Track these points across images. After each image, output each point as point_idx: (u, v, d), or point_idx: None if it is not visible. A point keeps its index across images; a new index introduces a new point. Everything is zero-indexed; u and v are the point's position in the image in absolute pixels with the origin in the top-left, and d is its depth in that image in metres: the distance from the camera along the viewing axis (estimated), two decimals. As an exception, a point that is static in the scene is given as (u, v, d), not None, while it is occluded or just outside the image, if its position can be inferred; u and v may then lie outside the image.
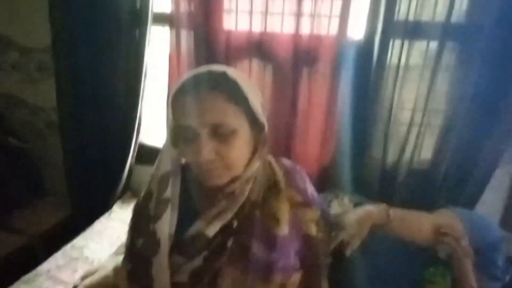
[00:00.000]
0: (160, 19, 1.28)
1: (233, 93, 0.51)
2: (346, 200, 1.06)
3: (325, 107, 1.23)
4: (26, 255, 1.21)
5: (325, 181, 1.27)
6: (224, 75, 0.52)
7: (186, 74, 0.53)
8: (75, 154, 1.38)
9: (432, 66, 1.11)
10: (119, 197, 1.39)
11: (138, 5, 1.22)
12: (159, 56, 1.36)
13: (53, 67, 1.31)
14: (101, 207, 1.35)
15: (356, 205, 1.03)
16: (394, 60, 1.13)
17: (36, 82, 1.51)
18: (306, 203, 0.60)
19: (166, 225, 0.53)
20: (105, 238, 1.14)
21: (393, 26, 1.10)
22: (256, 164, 0.58)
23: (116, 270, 0.69)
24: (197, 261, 0.53)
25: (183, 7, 1.20)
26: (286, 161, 0.67)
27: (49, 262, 0.99)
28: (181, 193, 0.58)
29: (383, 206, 0.81)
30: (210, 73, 0.52)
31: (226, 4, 1.19)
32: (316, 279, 0.59)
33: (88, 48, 1.24)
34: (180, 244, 0.54)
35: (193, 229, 0.54)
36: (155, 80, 1.39)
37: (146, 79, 1.30)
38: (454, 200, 1.18)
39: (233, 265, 0.53)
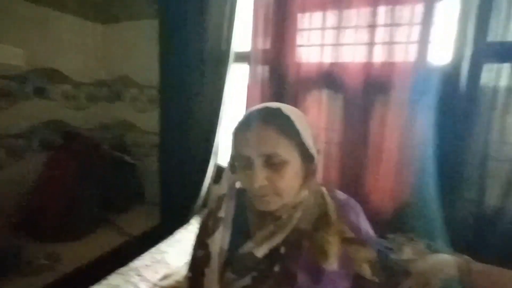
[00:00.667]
0: (241, 57, 1.45)
1: (285, 127, 0.57)
2: (421, 246, 0.94)
3: (400, 138, 1.13)
4: (124, 251, 1.47)
5: (399, 221, 1.14)
6: (278, 110, 0.59)
7: (247, 110, 0.62)
8: (167, 172, 1.64)
9: None
10: (197, 212, 1.56)
11: (223, 47, 1.42)
12: (238, 89, 1.53)
13: (159, 100, 1.63)
14: (183, 220, 1.54)
15: (434, 252, 0.89)
16: (490, 84, 0.98)
17: (147, 111, 1.89)
18: (359, 241, 0.58)
19: (217, 241, 0.60)
20: (183, 247, 1.29)
21: (484, 49, 0.96)
22: (304, 193, 0.61)
23: (185, 277, 0.79)
24: (247, 280, 0.57)
25: (260, 45, 1.34)
26: (340, 194, 0.66)
27: (139, 261, 1.18)
28: (236, 214, 0.64)
29: (464, 257, 0.69)
30: (266, 109, 0.59)
31: (298, 40, 1.26)
32: None
33: (184, 84, 1.50)
34: (233, 261, 0.59)
35: (244, 249, 0.59)
36: (234, 110, 1.55)
37: (225, 109, 1.47)
38: None
39: None
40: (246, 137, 0.56)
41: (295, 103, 1.28)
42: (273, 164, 0.55)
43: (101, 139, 1.96)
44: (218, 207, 0.63)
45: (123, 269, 1.11)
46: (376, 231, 0.78)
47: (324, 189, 0.66)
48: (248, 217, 0.65)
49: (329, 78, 1.22)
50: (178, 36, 1.45)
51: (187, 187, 1.59)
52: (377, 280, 0.57)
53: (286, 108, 0.60)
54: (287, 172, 0.56)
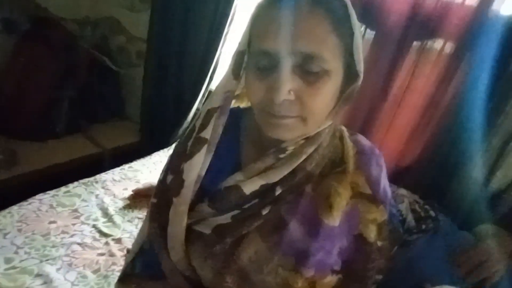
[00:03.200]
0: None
1: (340, 20, 0.38)
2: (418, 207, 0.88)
3: (427, 96, 0.99)
4: (94, 162, 1.35)
5: (400, 181, 1.06)
6: None
7: None
8: (152, 86, 1.45)
9: None
10: (181, 136, 1.43)
11: None
12: (250, 5, 1.27)
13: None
14: (164, 141, 1.41)
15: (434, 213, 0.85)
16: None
17: (137, 10, 1.59)
18: (374, 198, 0.46)
19: (195, 167, 0.45)
20: (158, 169, 1.18)
21: None
22: (328, 123, 0.45)
23: (150, 202, 0.67)
24: (225, 218, 0.45)
25: None
26: (363, 139, 0.52)
27: (107, 174, 1.07)
28: (228, 140, 0.49)
29: None
30: None
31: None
32: None
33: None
34: (213, 193, 0.46)
35: (230, 181, 0.45)
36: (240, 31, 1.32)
37: (231, 24, 1.24)
38: None
39: (262, 236, 0.44)
40: (276, 23, 0.37)
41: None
42: (308, 72, 0.37)
43: (82, 36, 1.68)
44: (204, 125, 0.46)
45: (88, 180, 1.00)
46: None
47: (344, 128, 0.52)
48: (241, 145, 0.50)
49: (366, 7, 0.99)
50: None
51: (174, 107, 1.42)
52: (379, 244, 0.47)
53: None
54: (325, 87, 0.38)
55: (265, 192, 0.44)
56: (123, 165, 1.16)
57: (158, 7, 1.32)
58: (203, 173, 0.46)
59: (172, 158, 0.51)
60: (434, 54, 0.95)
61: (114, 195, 0.97)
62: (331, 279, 0.45)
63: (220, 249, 0.45)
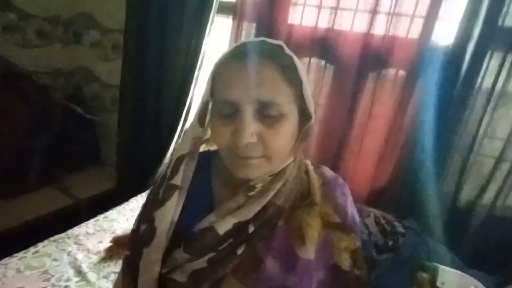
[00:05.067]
0: (226, 9, 1.26)
1: (288, 70, 0.42)
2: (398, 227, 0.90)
3: (389, 120, 1.05)
4: (68, 216, 1.30)
5: (375, 205, 1.08)
6: (280, 48, 0.44)
7: (236, 43, 0.46)
8: (128, 131, 1.45)
9: None
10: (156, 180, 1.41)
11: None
12: (219, 46, 1.34)
13: (124, 46, 1.39)
14: (140, 186, 1.38)
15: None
16: (490, 76, 0.91)
17: (109, 60, 1.63)
18: (343, 226, 0.48)
19: (168, 214, 0.46)
20: (135, 216, 1.14)
21: (495, 33, 0.87)
22: (290, 159, 0.48)
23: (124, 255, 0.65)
24: (201, 262, 0.45)
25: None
26: (327, 170, 0.55)
27: (80, 228, 1.02)
28: (199, 183, 0.50)
29: None
30: (265, 43, 0.44)
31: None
32: None
33: (155, 31, 1.29)
34: (187, 238, 0.46)
35: (203, 223, 0.46)
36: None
37: (201, 68, 1.29)
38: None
39: (240, 277, 0.44)
40: (235, 76, 0.41)
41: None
42: (267, 116, 0.41)
43: (55, 87, 1.69)
44: (174, 172, 0.48)
45: (59, 236, 0.95)
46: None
47: (308, 162, 0.54)
48: (213, 187, 0.52)
49: (323, 45, 1.08)
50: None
51: (149, 150, 1.42)
52: (357, 273, 0.48)
53: (287, 47, 0.45)
54: (283, 129, 0.42)
55: (239, 230, 0.45)
56: (98, 215, 1.12)
57: (132, 55, 1.37)
58: (176, 219, 0.47)
59: (145, 206, 0.52)
60: (389, 82, 1.03)
61: (88, 250, 0.93)
62: None
63: None
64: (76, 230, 1.00)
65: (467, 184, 1.02)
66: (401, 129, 1.04)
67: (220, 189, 0.51)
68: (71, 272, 0.85)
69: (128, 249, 0.50)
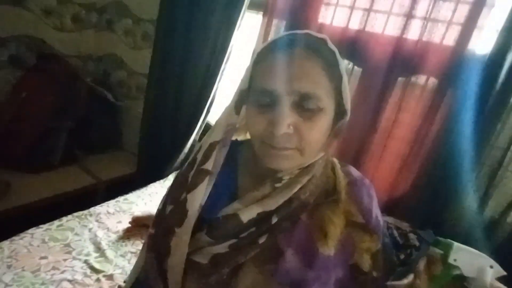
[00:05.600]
0: (257, 5, 1.26)
1: (331, 65, 0.43)
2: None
3: (415, 128, 1.03)
4: (90, 194, 1.34)
5: (392, 213, 1.06)
6: (324, 41, 0.45)
7: (279, 34, 0.46)
8: (150, 119, 1.48)
9: None
10: (177, 169, 1.44)
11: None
12: (247, 41, 1.35)
13: (154, 37, 1.43)
14: (159, 173, 1.41)
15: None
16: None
17: (139, 48, 1.68)
18: (367, 227, 0.48)
19: (198, 198, 0.47)
20: (154, 201, 1.18)
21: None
22: (321, 155, 0.49)
23: (148, 234, 0.67)
24: (222, 247, 0.46)
25: (281, -6, 1.16)
26: (353, 170, 0.55)
27: (101, 207, 1.06)
28: (228, 170, 0.51)
29: None
30: (309, 36, 0.45)
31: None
32: None
33: (185, 23, 1.31)
34: (211, 223, 0.47)
35: (228, 209, 0.47)
36: (237, 66, 1.39)
37: (227, 62, 1.30)
38: None
39: (259, 266, 0.44)
40: (276, 65, 0.42)
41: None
42: (305, 109, 0.41)
43: (84, 71, 1.75)
44: (207, 157, 0.49)
45: (82, 213, 0.99)
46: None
47: (335, 160, 0.54)
48: (238, 176, 0.53)
49: (352, 47, 1.07)
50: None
51: (170, 139, 1.45)
52: (375, 274, 0.47)
53: (330, 42, 0.45)
54: (320, 123, 0.42)
55: (262, 220, 0.45)
56: (118, 197, 1.16)
57: (159, 46, 1.40)
58: (203, 203, 0.48)
59: (172, 189, 0.53)
60: (418, 89, 1.00)
61: (108, 229, 0.96)
62: None
63: (216, 280, 0.45)
64: (97, 208, 1.04)
65: (493, 200, 0.98)
66: (427, 138, 1.01)
67: (246, 179, 0.52)
68: (91, 248, 0.89)
69: (153, 227, 0.52)
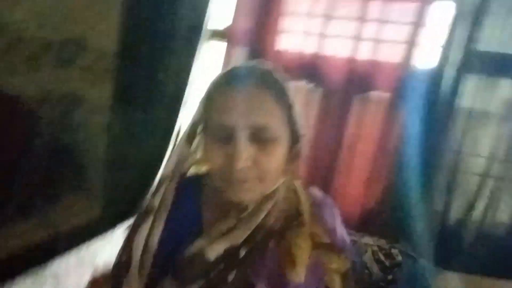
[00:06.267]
0: (220, 35, 1.30)
1: (280, 95, 0.45)
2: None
3: (377, 142, 1.08)
4: (48, 248, 1.22)
5: (366, 228, 1.08)
6: (272, 73, 0.47)
7: (229, 67, 0.49)
8: (115, 155, 1.42)
9: None
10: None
11: (197, 21, 1.25)
12: (212, 69, 1.37)
13: (114, 71, 1.40)
14: (128, 214, 1.33)
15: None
16: (469, 98, 0.96)
17: (99, 83, 1.63)
18: (333, 247, 0.48)
19: (141, 240, 0.45)
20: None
21: (472, 58, 0.93)
22: (282, 180, 0.49)
23: None
24: None
25: (241, 24, 1.21)
26: (316, 191, 0.55)
27: (60, 262, 0.97)
28: (188, 207, 0.50)
29: None
30: (256, 68, 0.47)
31: (282, 24, 1.16)
32: None
33: (146, 55, 1.31)
34: (176, 264, 0.45)
35: (193, 248, 0.45)
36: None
37: (192, 91, 1.31)
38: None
39: None
40: (230, 101, 0.43)
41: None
42: (261, 140, 0.43)
43: (41, 113, 1.66)
44: (155, 193, 0.49)
45: (36, 271, 0.89)
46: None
47: (297, 183, 0.55)
48: (203, 211, 0.51)
49: (310, 70, 1.12)
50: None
51: (137, 174, 1.39)
52: None
53: (277, 71, 0.48)
54: (276, 152, 0.44)
55: (230, 255, 0.44)
56: (80, 246, 1.06)
57: (121, 79, 1.38)
58: (155, 244, 0.45)
59: (127, 236, 0.50)
60: (375, 104, 1.07)
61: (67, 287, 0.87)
62: None
63: None
64: (55, 264, 0.94)
65: (456, 202, 1.03)
66: (388, 150, 1.07)
67: (210, 213, 0.50)
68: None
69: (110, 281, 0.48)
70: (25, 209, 1.34)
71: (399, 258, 0.90)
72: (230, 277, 0.43)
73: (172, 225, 0.47)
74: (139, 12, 1.28)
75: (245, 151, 0.41)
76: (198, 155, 0.52)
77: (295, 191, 0.52)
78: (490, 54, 0.92)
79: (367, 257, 0.88)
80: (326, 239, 0.48)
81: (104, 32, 1.53)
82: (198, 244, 0.45)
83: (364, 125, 1.09)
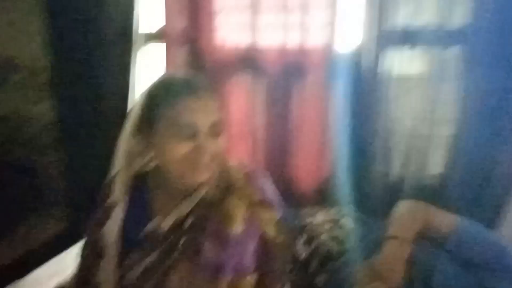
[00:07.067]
0: (157, 37, 1.30)
1: (210, 90, 0.58)
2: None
3: (319, 120, 1.17)
4: (18, 267, 1.20)
5: (324, 197, 1.20)
6: (203, 80, 0.60)
7: (165, 76, 0.62)
8: (72, 170, 1.41)
9: (434, 74, 1.04)
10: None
11: (124, 26, 1.24)
12: (155, 71, 1.37)
13: (52, 87, 1.36)
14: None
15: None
16: (390, 69, 1.07)
17: (40, 101, 1.56)
18: (265, 203, 0.60)
19: (114, 228, 0.56)
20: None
21: (387, 34, 1.04)
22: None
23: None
24: (153, 257, 0.54)
25: (175, 24, 1.21)
26: (249, 165, 0.68)
27: (33, 275, 0.99)
28: (142, 196, 0.60)
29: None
30: (193, 77, 0.60)
31: (215, 20, 1.18)
32: (272, 283, 0.58)
33: (82, 68, 1.29)
34: (140, 239, 0.56)
35: (151, 225, 0.57)
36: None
37: (137, 94, 1.31)
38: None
39: (183, 264, 0.54)
40: (192, 104, 0.54)
41: (217, 87, 1.20)
42: (215, 132, 0.55)
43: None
44: (112, 189, 0.60)
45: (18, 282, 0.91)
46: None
47: (229, 161, 0.66)
48: (153, 201, 0.61)
49: (248, 62, 1.18)
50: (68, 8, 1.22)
51: (96, 185, 1.39)
52: (281, 239, 0.59)
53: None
54: (221, 139, 0.56)
55: (179, 225, 0.55)
56: (46, 263, 1.07)
57: (61, 94, 1.34)
58: (120, 228, 0.57)
59: (87, 234, 0.58)
60: (312, 86, 1.15)
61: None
62: (251, 278, 0.55)
63: (151, 286, 0.53)
64: (28, 278, 0.95)
65: (394, 161, 1.15)
66: (329, 125, 1.17)
67: (160, 198, 0.60)
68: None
69: (78, 273, 0.59)
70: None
71: (351, 225, 0.98)
72: (181, 242, 0.54)
73: (131, 212, 0.58)
74: (65, 24, 1.25)
75: (208, 144, 0.53)
76: (147, 152, 0.61)
77: (228, 168, 0.62)
78: (401, 28, 1.02)
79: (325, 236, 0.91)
80: (258, 197, 0.59)
81: (33, 48, 1.46)
82: (154, 221, 0.56)
83: (306, 107, 1.17)
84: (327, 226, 0.95)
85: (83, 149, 1.37)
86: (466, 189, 1.07)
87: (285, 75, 1.15)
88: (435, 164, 1.15)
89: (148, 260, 0.54)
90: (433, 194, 1.14)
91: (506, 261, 0.69)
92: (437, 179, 1.15)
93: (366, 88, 1.09)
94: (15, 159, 1.50)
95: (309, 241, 0.85)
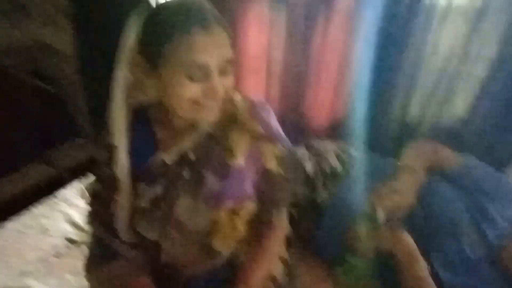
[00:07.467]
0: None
1: (223, 23, 0.49)
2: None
3: (340, 55, 1.10)
4: (54, 185, 1.36)
5: (336, 132, 1.19)
6: (212, 7, 0.50)
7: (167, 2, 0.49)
8: (95, 99, 1.46)
9: (478, 5, 0.91)
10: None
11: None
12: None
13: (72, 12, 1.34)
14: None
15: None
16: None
17: (63, 29, 1.56)
18: (268, 137, 0.59)
19: (123, 161, 0.54)
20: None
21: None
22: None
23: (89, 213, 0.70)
24: (158, 189, 0.56)
25: None
26: (255, 97, 0.64)
27: (68, 190, 1.11)
28: (144, 133, 0.58)
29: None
30: (195, 5, 0.48)
31: None
32: (269, 213, 0.61)
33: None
34: (145, 172, 0.56)
35: (155, 158, 0.56)
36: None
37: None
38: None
39: (188, 193, 0.55)
40: (202, 42, 0.46)
41: (235, 18, 1.14)
42: (226, 71, 0.50)
43: (14, 66, 1.62)
44: (115, 128, 0.55)
45: (50, 199, 1.04)
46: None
47: (235, 94, 0.62)
48: (156, 132, 0.58)
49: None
50: None
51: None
52: (283, 173, 0.60)
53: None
54: (231, 74, 0.52)
55: (182, 158, 0.55)
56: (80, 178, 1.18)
57: (80, 22, 1.32)
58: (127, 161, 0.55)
59: (98, 167, 0.59)
60: (339, 14, 1.05)
61: (78, 206, 1.02)
62: (249, 205, 0.58)
63: (159, 214, 0.55)
64: (64, 192, 1.08)
65: (415, 100, 1.10)
66: (350, 62, 1.10)
67: (164, 133, 0.59)
68: (67, 226, 0.95)
69: (94, 204, 0.60)
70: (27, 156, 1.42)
71: (359, 155, 1.01)
72: (185, 174, 0.55)
73: (135, 144, 0.55)
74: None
75: (221, 85, 0.49)
76: (147, 87, 0.54)
77: (232, 101, 0.59)
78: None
79: (331, 158, 0.99)
80: (261, 131, 0.58)
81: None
82: (158, 155, 0.56)
83: (329, 36, 1.09)
84: (334, 150, 1.01)
85: (102, 77, 1.39)
86: (483, 137, 1.02)
87: (309, 2, 1.06)
88: (457, 107, 1.08)
89: (154, 191, 0.55)
90: (447, 138, 1.09)
91: (501, 188, 0.78)
92: (456, 123, 1.09)
93: (400, 18, 0.99)
94: (40, 86, 1.56)
95: (316, 161, 0.93)
